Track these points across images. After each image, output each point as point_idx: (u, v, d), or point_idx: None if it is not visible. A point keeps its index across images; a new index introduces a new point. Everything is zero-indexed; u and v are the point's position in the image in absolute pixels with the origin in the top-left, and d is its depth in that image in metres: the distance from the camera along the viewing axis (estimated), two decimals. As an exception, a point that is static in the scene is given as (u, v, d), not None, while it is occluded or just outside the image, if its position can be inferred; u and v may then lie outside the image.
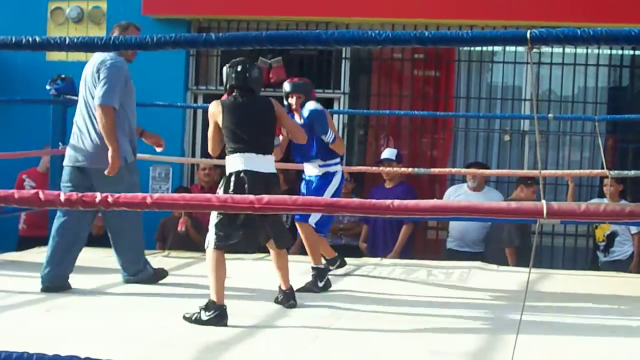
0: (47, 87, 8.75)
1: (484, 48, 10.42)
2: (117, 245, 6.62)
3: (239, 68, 5.89)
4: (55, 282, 6.28)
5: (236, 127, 5.78)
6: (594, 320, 5.74)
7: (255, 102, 5.94)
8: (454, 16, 9.90)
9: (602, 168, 8.10)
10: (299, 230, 6.73)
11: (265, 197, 2.99)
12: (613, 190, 8.65)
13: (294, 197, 3.01)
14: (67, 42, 3.16)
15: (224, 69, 6.06)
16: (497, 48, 10.39)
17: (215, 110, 5.91)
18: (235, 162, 5.74)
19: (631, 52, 10.52)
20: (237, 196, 2.97)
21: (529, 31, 2.94)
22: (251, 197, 3.00)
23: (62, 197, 3.09)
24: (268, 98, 6.09)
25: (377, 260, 8.27)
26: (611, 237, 9.04)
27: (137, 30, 6.66)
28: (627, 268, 8.70)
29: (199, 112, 10.65)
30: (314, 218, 6.59)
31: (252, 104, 5.89)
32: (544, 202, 2.87)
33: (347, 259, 7.93)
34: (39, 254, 7.62)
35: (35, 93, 9.60)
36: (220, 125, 5.82)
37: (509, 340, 4.98)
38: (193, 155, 10.70)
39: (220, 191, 5.75)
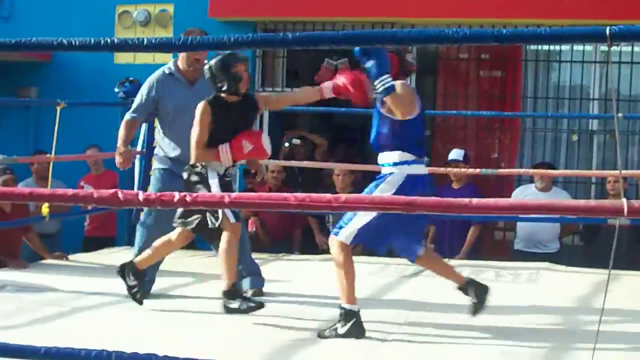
0: (116, 89, 8.85)
1: (551, 47, 10.35)
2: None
3: None
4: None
5: None
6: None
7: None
8: (519, 15, 9.81)
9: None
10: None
11: (343, 196, 2.99)
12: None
13: (372, 195, 3.01)
14: (144, 43, 3.18)
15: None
16: (565, 47, 10.30)
17: None
18: None
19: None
20: (315, 195, 2.96)
21: (608, 28, 2.91)
22: (329, 196, 3.00)
23: (141, 197, 3.12)
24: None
25: (445, 261, 8.21)
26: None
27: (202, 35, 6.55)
28: None
29: (265, 113, 10.67)
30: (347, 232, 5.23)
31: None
32: (624, 200, 2.83)
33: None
34: (108, 255, 7.73)
35: (103, 96, 9.70)
36: None
37: (583, 344, 4.95)
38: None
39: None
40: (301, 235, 9.64)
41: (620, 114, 8.89)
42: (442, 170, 9.06)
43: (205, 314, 5.70)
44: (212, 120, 5.50)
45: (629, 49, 10.09)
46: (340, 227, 5.14)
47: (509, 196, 9.53)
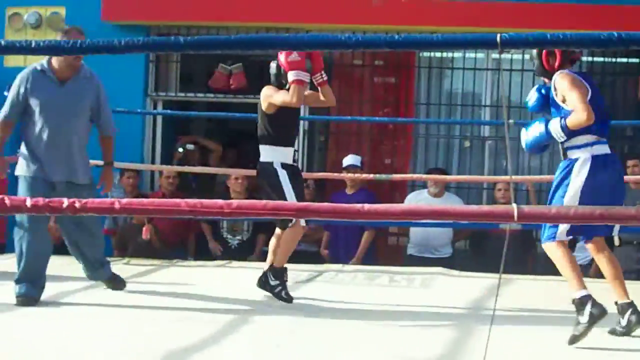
0: (5, 93, 8.65)
1: (444, 54, 10.47)
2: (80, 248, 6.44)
3: None
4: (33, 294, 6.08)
5: None
6: (558, 325, 5.75)
7: None
8: (413, 22, 9.88)
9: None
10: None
11: (235, 202, 2.97)
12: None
13: (264, 201, 2.99)
14: (32, 45, 3.11)
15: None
16: (457, 54, 10.43)
17: None
18: None
19: (590, 58, 10.60)
20: (207, 201, 2.93)
21: (499, 35, 2.95)
22: (221, 202, 2.97)
23: (29, 203, 3.05)
24: None
25: (339, 266, 8.26)
26: (572, 243, 9.12)
27: (80, 35, 6.13)
28: (587, 272, 8.75)
29: (159, 118, 10.60)
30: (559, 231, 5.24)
31: None
32: (514, 205, 2.87)
33: (309, 266, 7.95)
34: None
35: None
36: None
37: (476, 346, 5.01)
38: (153, 162, 10.62)
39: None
40: (195, 241, 9.58)
41: (511, 121, 9.02)
42: (336, 175, 9.11)
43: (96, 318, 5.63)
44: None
45: (520, 56, 10.25)
46: (552, 234, 5.20)
47: (403, 201, 9.61)
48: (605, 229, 5.28)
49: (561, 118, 5.21)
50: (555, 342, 5.14)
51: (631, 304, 5.21)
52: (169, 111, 10.48)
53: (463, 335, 5.41)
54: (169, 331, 5.32)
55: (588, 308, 4.99)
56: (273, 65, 6.61)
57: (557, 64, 5.38)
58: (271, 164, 6.40)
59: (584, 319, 4.99)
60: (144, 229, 8.87)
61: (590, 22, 9.19)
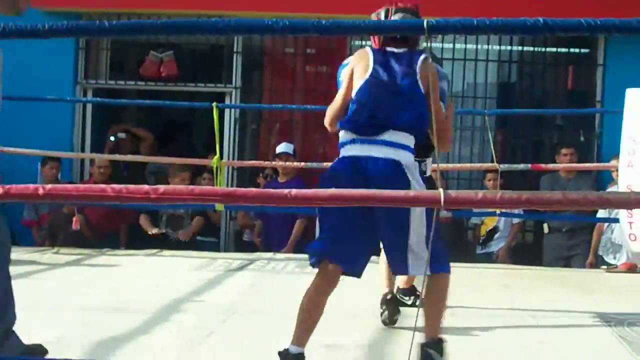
0: None
1: (376, 43, 10.47)
2: None
3: None
4: None
5: None
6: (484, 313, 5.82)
7: None
8: (349, 11, 9.84)
9: (492, 162, 8.20)
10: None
11: (162, 188, 2.94)
12: (494, 184, 8.75)
13: (191, 186, 2.97)
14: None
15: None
16: (389, 43, 10.46)
17: None
18: None
19: (519, 47, 10.71)
20: (132, 186, 2.89)
21: (426, 20, 2.94)
22: (147, 187, 2.94)
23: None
24: None
25: (270, 254, 8.25)
26: (492, 233, 9.29)
27: None
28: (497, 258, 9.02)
29: (89, 106, 10.47)
30: None
31: None
32: (441, 190, 2.87)
33: (241, 254, 7.93)
34: None
35: None
36: None
37: (404, 330, 5.04)
38: (83, 151, 10.50)
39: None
40: (128, 231, 9.51)
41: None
42: (268, 164, 9.10)
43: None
44: None
45: (451, 45, 10.32)
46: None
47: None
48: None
49: None
50: (479, 328, 5.19)
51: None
52: (99, 99, 10.38)
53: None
54: (97, 321, 5.27)
55: None
56: None
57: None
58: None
59: None
60: (74, 219, 8.76)
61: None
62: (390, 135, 4.24)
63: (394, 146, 4.24)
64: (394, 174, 4.17)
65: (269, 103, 10.55)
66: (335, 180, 4.10)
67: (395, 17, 4.58)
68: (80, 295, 6.04)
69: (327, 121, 4.67)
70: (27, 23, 3.13)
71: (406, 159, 4.25)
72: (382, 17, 4.69)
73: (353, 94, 4.44)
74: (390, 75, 4.39)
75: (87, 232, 8.99)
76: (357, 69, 4.51)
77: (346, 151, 4.36)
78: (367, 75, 4.43)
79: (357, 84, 4.44)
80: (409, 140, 4.28)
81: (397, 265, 4.44)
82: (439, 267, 4.31)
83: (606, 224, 8.46)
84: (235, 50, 10.58)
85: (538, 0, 9.30)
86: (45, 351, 4.40)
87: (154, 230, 9.11)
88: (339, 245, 4.29)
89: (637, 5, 8.98)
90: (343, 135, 4.45)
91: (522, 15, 3.02)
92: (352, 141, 4.33)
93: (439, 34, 2.97)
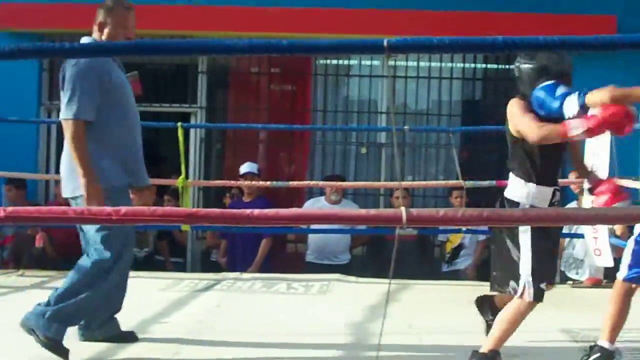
0: None
1: (341, 62, 10.52)
2: None
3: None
4: None
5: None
6: (453, 328, 5.83)
7: None
8: (313, 30, 9.88)
9: (457, 179, 8.22)
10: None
11: (123, 209, 2.93)
12: (461, 201, 8.77)
13: (153, 207, 2.96)
14: None
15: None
16: (354, 62, 10.53)
17: None
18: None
19: (483, 65, 10.77)
20: (95, 208, 2.89)
21: (386, 40, 2.96)
22: (108, 208, 2.94)
23: None
24: None
25: (236, 274, 8.23)
26: (457, 250, 9.31)
27: (125, 11, 5.05)
28: (465, 276, 9.00)
29: (53, 127, 10.43)
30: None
31: None
32: (402, 209, 2.88)
33: (207, 274, 7.92)
34: None
35: None
36: None
37: (369, 348, 5.04)
38: (47, 172, 10.45)
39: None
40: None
41: (406, 127, 9.09)
42: (233, 183, 9.09)
43: None
44: None
45: (415, 63, 10.37)
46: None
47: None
48: None
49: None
50: (450, 344, 5.20)
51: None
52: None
53: (358, 339, 5.45)
54: (65, 343, 5.22)
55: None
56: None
57: None
58: (517, 204, 4.55)
59: None
60: (37, 236, 8.74)
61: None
62: None
63: None
64: None
65: (234, 122, 10.55)
66: None
67: None
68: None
69: None
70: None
71: None
72: None
73: None
74: None
75: (51, 252, 8.94)
76: None
77: None
78: None
79: None
80: None
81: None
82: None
83: (567, 240, 8.49)
84: (200, 70, 10.59)
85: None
86: (136, 338, 5.33)
87: None
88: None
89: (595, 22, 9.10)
90: None
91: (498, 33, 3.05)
92: None
93: (399, 53, 2.98)
